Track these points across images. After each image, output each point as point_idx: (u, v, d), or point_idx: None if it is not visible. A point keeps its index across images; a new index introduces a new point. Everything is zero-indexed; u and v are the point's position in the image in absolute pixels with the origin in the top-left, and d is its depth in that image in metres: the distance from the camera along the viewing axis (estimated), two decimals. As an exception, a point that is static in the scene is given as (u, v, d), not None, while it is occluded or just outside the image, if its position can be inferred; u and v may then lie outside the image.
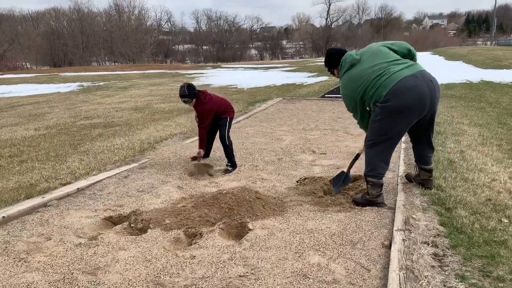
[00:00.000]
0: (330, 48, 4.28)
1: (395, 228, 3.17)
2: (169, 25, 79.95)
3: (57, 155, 5.83)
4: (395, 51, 3.74)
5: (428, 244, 2.93)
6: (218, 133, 5.16)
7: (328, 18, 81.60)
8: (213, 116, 5.01)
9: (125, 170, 4.93)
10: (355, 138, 6.30)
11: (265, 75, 22.21)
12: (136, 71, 33.17)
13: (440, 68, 22.66)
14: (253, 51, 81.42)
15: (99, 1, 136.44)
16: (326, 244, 3.02)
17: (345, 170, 4.16)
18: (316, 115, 8.58)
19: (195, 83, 19.32)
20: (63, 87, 19.14)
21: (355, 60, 3.71)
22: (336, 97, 11.25)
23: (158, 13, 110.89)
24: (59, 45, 58.23)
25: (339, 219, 3.44)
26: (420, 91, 3.46)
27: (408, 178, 4.31)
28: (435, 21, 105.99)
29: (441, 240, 3.00)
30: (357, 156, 4.14)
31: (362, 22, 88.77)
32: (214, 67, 37.11)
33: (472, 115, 7.98)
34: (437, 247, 2.90)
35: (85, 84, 20.69)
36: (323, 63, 4.10)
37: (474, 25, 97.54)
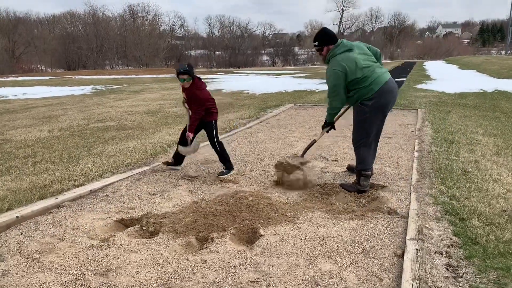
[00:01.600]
0: (324, 27, 4.43)
1: (408, 237, 3.14)
2: (182, 30, 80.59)
3: (70, 157, 5.89)
4: (372, 53, 4.25)
5: (442, 254, 2.89)
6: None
7: (341, 25, 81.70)
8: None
9: (137, 173, 4.96)
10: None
11: (277, 81, 22.22)
12: (149, 75, 33.44)
13: (453, 76, 22.49)
14: (265, 57, 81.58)
15: (114, 6, 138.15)
16: (338, 252, 3.00)
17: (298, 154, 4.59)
18: (316, 122, 8.52)
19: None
20: (77, 90, 19.36)
21: (351, 46, 4.08)
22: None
23: (171, 18, 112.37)
24: (73, 49, 58.99)
25: (351, 227, 3.41)
26: (394, 94, 4.16)
27: (350, 168, 4.86)
28: (448, 30, 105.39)
29: (455, 251, 2.96)
30: (313, 142, 4.63)
31: (375, 29, 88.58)
32: (226, 73, 37.26)
33: (486, 124, 7.89)
34: (451, 258, 2.86)
35: (98, 87, 20.90)
36: (316, 38, 4.20)
37: (489, 34, 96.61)
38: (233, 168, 4.99)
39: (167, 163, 5.17)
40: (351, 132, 4.38)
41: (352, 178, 4.56)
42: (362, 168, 4.23)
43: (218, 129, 5.04)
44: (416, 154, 5.64)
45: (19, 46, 57.10)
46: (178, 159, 5.15)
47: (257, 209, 3.59)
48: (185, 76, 4.63)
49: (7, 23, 57.57)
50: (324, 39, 4.15)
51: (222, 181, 4.72)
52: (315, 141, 4.63)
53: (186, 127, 4.92)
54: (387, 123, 8.12)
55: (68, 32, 62.85)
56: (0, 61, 49.49)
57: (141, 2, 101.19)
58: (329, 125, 4.47)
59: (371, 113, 4.06)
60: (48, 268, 2.81)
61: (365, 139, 4.19)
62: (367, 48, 4.25)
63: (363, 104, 4.05)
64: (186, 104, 4.90)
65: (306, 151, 4.67)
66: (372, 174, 4.36)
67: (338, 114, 4.43)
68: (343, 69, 3.96)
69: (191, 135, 4.76)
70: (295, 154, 4.74)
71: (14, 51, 56.13)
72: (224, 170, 4.91)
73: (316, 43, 4.20)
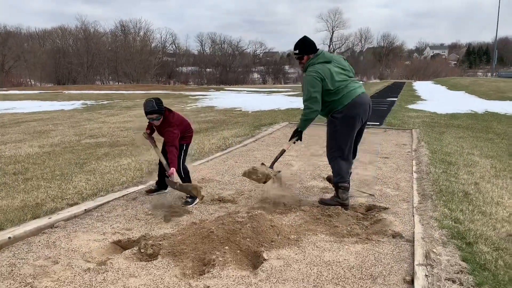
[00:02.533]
0: (306, 36, 4.46)
1: (416, 262, 3.05)
2: (174, 47, 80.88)
3: (63, 174, 5.73)
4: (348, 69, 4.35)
5: (454, 281, 2.81)
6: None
7: (331, 45, 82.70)
8: None
9: (133, 192, 4.83)
10: (365, 166, 6.21)
11: (269, 99, 22.27)
12: (140, 91, 33.33)
13: (443, 97, 22.77)
14: (255, 75, 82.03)
15: (105, 22, 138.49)
16: (346, 278, 2.90)
17: (268, 165, 4.57)
18: (323, 142, 8.47)
19: (199, 104, 19.39)
20: (67, 105, 19.17)
21: (331, 59, 4.22)
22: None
23: (163, 35, 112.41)
24: (64, 63, 58.75)
25: (356, 251, 3.32)
26: (366, 107, 4.27)
27: (330, 179, 4.80)
28: (436, 51, 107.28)
29: (465, 277, 2.88)
30: (282, 151, 4.59)
31: (364, 49, 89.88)
32: (217, 89, 37.31)
33: (481, 146, 7.92)
34: (462, 285, 2.77)
35: (89, 102, 20.73)
36: (297, 46, 4.28)
37: (475, 57, 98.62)
38: (197, 198, 4.42)
39: (150, 191, 4.77)
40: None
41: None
42: (338, 180, 4.31)
43: (187, 154, 4.70)
44: (415, 175, 5.60)
45: (8, 60, 56.66)
46: (161, 184, 4.78)
47: (260, 232, 3.48)
48: (154, 116, 4.28)
49: (-3, 37, 57.22)
50: (305, 48, 4.27)
51: (221, 201, 4.61)
52: (284, 150, 4.60)
53: (160, 161, 4.53)
54: (382, 143, 8.15)
55: (58, 46, 62.69)
56: (-11, 75, 49.02)
57: (133, 18, 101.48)
58: (300, 133, 4.49)
59: (341, 125, 4.20)
60: (42, 293, 2.66)
61: (338, 151, 4.30)
62: (345, 61, 4.37)
63: (333, 116, 4.23)
64: (146, 134, 4.55)
65: (275, 162, 4.60)
66: (349, 186, 4.38)
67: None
68: (320, 76, 4.10)
69: (174, 172, 4.28)
70: (263, 163, 4.64)
71: (3, 64, 55.69)
72: (189, 200, 4.43)
73: (297, 51, 4.29)
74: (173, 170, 4.24)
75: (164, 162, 4.41)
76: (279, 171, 4.76)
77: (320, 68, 4.13)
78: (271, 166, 4.55)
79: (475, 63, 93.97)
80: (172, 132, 4.33)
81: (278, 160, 4.67)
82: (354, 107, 4.16)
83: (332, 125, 4.27)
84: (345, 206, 4.28)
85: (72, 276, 2.88)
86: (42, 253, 3.23)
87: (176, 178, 4.38)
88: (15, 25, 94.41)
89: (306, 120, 4.32)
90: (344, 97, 4.14)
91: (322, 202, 4.42)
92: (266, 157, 6.87)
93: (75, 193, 4.77)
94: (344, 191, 4.29)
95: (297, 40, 4.34)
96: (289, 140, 4.55)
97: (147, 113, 4.29)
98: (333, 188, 4.47)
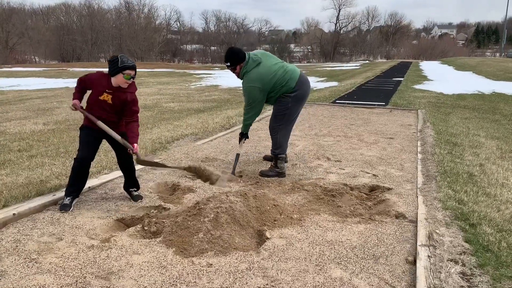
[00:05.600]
0: (231, 46, 4.83)
1: (418, 243, 3.05)
2: (178, 24, 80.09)
3: (67, 151, 5.75)
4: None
5: (456, 262, 2.81)
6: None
7: (338, 24, 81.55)
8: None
9: (137, 170, 4.81)
10: (369, 146, 6.18)
11: (274, 78, 22.07)
12: (144, 69, 33.18)
13: (450, 77, 22.51)
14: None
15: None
16: (348, 258, 2.90)
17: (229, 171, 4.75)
18: (328, 121, 8.46)
19: (204, 83, 19.29)
20: (71, 82, 19.12)
21: (259, 59, 4.49)
22: (348, 104, 11.14)
23: (167, 12, 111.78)
24: (68, 40, 58.46)
25: (359, 231, 3.32)
26: (308, 84, 4.74)
27: (267, 158, 5.26)
28: (444, 31, 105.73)
29: (468, 258, 2.88)
30: (237, 156, 4.85)
31: (371, 28, 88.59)
32: (222, 68, 37.05)
33: (488, 127, 7.85)
34: (465, 266, 2.77)
35: (93, 80, 20.66)
36: (227, 59, 4.54)
37: (483, 36, 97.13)
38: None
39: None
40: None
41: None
42: (279, 152, 4.70)
43: None
44: (419, 156, 5.57)
45: (12, 37, 56.42)
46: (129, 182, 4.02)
47: (262, 211, 3.48)
48: (133, 72, 3.58)
49: (1, 13, 56.83)
50: (234, 58, 4.50)
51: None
52: (238, 154, 4.88)
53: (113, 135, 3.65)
54: (387, 123, 8.10)
55: (62, 23, 62.28)
56: (-7, 51, 48.91)
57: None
58: (244, 136, 4.88)
59: (293, 103, 4.56)
60: (47, 269, 2.68)
61: (284, 126, 4.68)
62: (266, 51, 4.82)
63: (285, 96, 4.54)
64: (80, 108, 3.67)
65: (235, 167, 4.80)
66: (286, 157, 4.92)
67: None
68: (259, 87, 4.42)
69: (136, 147, 3.68)
70: (225, 170, 4.74)
71: (7, 41, 55.49)
72: (141, 194, 4.01)
73: (229, 64, 4.54)
74: (137, 146, 3.70)
75: (118, 137, 3.66)
76: (241, 175, 4.79)
77: (255, 75, 4.42)
78: (233, 172, 4.72)
79: (483, 43, 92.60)
80: (136, 101, 3.76)
81: (237, 165, 4.87)
82: (302, 85, 4.59)
83: (284, 103, 4.57)
84: (283, 175, 4.68)
85: (76, 252, 2.91)
86: (47, 230, 3.26)
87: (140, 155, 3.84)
88: (19, 1, 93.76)
89: (247, 125, 4.76)
90: (290, 80, 4.50)
91: (263, 174, 4.73)
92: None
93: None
94: (282, 161, 4.71)
95: (225, 53, 4.60)
96: (239, 143, 4.94)
97: (127, 67, 3.51)
98: (277, 163, 4.74)
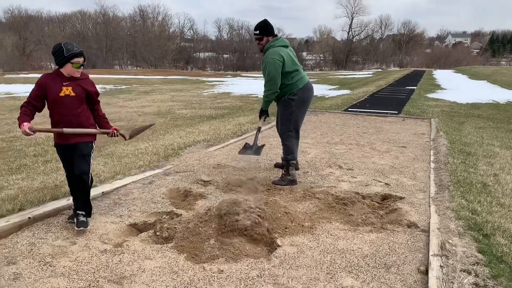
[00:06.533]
0: (266, 19, 4.75)
1: (431, 253, 3.03)
2: (192, 32, 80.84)
3: (81, 157, 5.81)
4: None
5: (469, 272, 2.78)
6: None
7: (350, 32, 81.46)
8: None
9: (149, 176, 4.88)
10: (381, 155, 6.15)
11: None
12: (158, 76, 33.51)
13: (464, 86, 22.31)
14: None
15: (124, 6, 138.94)
16: (359, 266, 2.89)
17: (250, 143, 5.03)
18: (340, 129, 8.44)
19: (216, 90, 19.43)
20: (86, 89, 19.37)
21: (287, 44, 4.63)
22: (360, 112, 11.11)
23: (181, 20, 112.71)
24: (83, 47, 58.57)
25: (371, 240, 3.31)
26: (312, 92, 4.84)
27: (278, 165, 5.20)
28: (458, 39, 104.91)
29: (481, 269, 2.84)
30: (259, 129, 5.02)
31: (384, 37, 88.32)
32: (234, 76, 37.25)
33: (502, 137, 7.76)
34: (478, 277, 2.74)
35: (107, 86, 20.94)
36: (258, 27, 4.58)
37: (498, 45, 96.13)
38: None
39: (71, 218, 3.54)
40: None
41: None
42: (291, 158, 4.72)
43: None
44: (432, 165, 5.53)
45: (29, 44, 57.48)
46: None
47: (274, 218, 3.49)
48: (82, 59, 3.27)
49: (19, 21, 58.02)
50: (266, 29, 4.57)
51: (234, 186, 4.63)
52: (260, 127, 5.05)
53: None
54: (400, 132, 8.06)
55: (78, 31, 63.40)
56: (11, 58, 49.89)
57: (151, 3, 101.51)
58: (265, 112, 4.88)
59: (297, 106, 4.63)
60: (60, 272, 2.72)
61: (292, 131, 4.71)
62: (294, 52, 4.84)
63: (290, 98, 4.60)
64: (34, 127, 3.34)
65: (256, 139, 4.95)
66: (297, 163, 4.99)
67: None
68: (281, 59, 4.43)
69: (114, 127, 3.55)
70: (247, 143, 5.17)
71: (25, 48, 56.52)
72: (88, 220, 3.40)
73: (258, 32, 4.58)
74: (114, 127, 3.54)
75: (93, 130, 3.49)
76: (264, 144, 5.15)
77: (280, 50, 4.48)
78: (254, 143, 4.91)
79: (498, 52, 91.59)
80: (96, 91, 3.56)
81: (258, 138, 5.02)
82: (307, 90, 4.68)
83: (289, 106, 4.64)
84: (295, 182, 4.65)
85: (89, 256, 2.95)
86: (61, 234, 3.31)
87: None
88: (36, 9, 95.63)
89: (267, 101, 4.72)
90: (299, 81, 4.59)
91: (275, 183, 4.67)
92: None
93: (93, 175, 4.84)
94: (293, 168, 4.72)
95: (258, 22, 4.63)
96: (259, 119, 5.00)
97: (75, 55, 3.22)
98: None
